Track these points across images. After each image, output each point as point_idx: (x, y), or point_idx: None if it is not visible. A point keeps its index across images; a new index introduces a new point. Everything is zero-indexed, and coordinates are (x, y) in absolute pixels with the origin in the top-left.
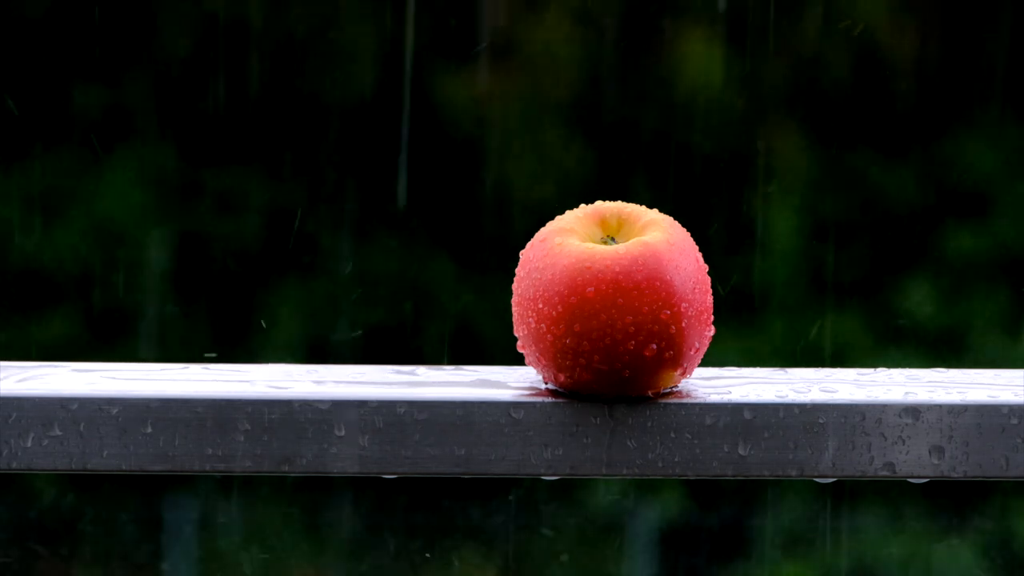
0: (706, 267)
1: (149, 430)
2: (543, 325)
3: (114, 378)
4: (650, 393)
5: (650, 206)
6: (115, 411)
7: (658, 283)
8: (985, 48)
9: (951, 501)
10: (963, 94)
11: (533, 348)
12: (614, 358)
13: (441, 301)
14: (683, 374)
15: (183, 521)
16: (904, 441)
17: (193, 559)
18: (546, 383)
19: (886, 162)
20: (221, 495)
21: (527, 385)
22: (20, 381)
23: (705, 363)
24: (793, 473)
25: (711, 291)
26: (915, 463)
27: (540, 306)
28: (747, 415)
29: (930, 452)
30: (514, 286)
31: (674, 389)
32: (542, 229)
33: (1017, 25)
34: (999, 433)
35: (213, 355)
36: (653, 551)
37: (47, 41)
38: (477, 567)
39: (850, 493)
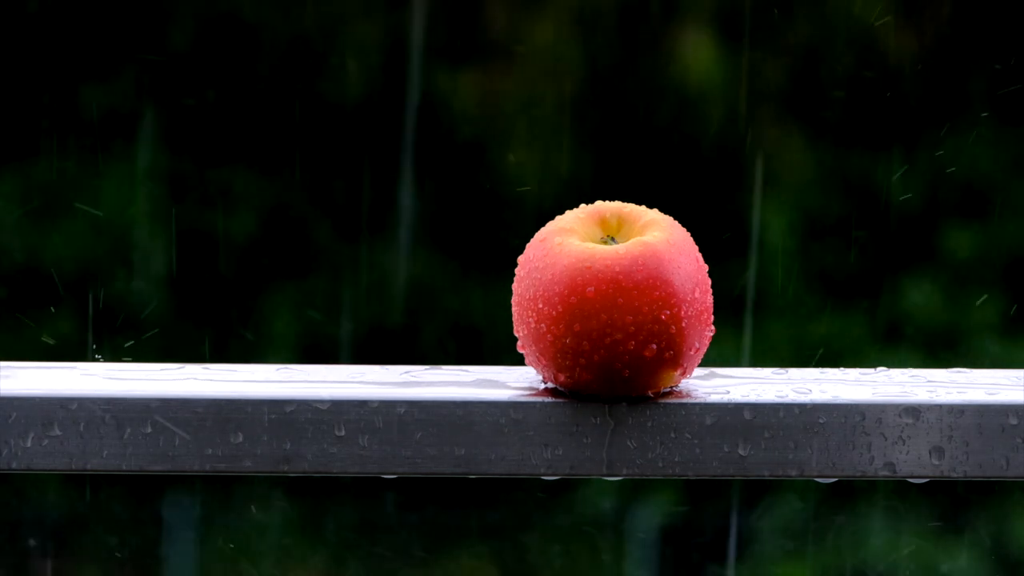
0: (706, 267)
1: (149, 430)
2: (543, 325)
3: (114, 378)
4: (650, 393)
5: (650, 206)
6: (115, 411)
7: (658, 283)
8: (985, 47)
9: (951, 501)
10: (963, 94)
11: (533, 348)
12: (614, 358)
13: (441, 301)
14: (683, 374)
15: (183, 521)
16: (904, 441)
17: (193, 559)
18: (546, 383)
19: (885, 162)
20: (220, 495)
21: (527, 385)
22: (20, 381)
23: (705, 363)
24: (793, 473)
25: (711, 291)
26: (915, 463)
27: (540, 306)
28: (747, 415)
29: (930, 452)
30: (514, 286)
31: (674, 389)
32: (542, 229)
33: (1017, 24)
34: (999, 433)
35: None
36: (651, 550)
37: (48, 39)
38: (476, 567)
39: (850, 493)
